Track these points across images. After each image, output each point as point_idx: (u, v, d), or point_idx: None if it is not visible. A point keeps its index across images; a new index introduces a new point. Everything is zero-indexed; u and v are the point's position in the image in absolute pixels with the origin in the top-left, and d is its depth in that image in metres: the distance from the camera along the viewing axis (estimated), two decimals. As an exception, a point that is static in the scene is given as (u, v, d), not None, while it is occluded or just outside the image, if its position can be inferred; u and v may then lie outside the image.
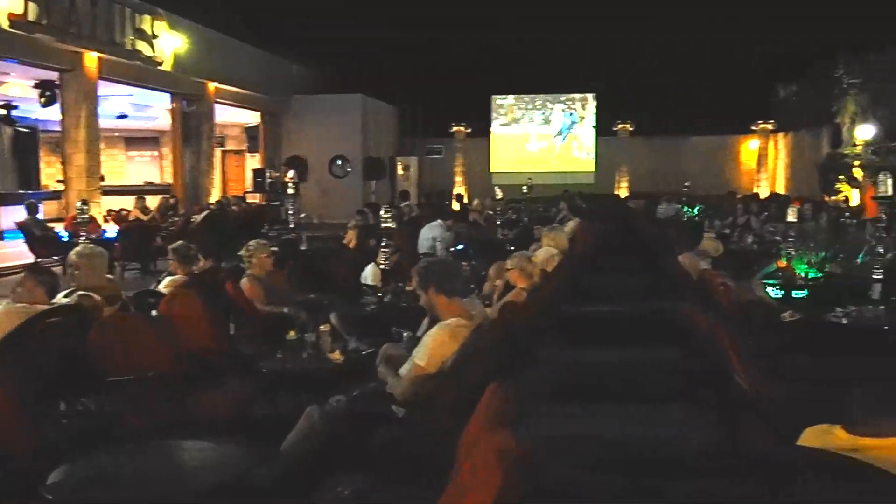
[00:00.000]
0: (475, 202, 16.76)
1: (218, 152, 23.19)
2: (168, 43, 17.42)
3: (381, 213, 8.02)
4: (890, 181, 6.30)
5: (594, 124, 29.36)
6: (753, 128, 27.69)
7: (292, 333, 5.33)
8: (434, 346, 4.32)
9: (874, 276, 6.26)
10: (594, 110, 29.37)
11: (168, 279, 6.94)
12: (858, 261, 8.93)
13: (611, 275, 9.58)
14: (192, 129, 19.91)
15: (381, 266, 7.53)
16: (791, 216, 8.97)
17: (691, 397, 5.09)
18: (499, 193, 13.38)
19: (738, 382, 4.32)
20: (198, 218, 15.63)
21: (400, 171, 27.02)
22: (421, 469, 3.35)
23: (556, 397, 5.12)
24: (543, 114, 29.83)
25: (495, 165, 29.53)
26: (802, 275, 8.96)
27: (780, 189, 26.52)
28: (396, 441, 3.98)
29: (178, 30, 17.76)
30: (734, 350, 4.65)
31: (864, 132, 19.12)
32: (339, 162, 24.28)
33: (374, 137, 25.69)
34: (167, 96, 19.53)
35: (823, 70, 21.46)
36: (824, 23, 21.68)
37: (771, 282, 8.43)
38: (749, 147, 28.44)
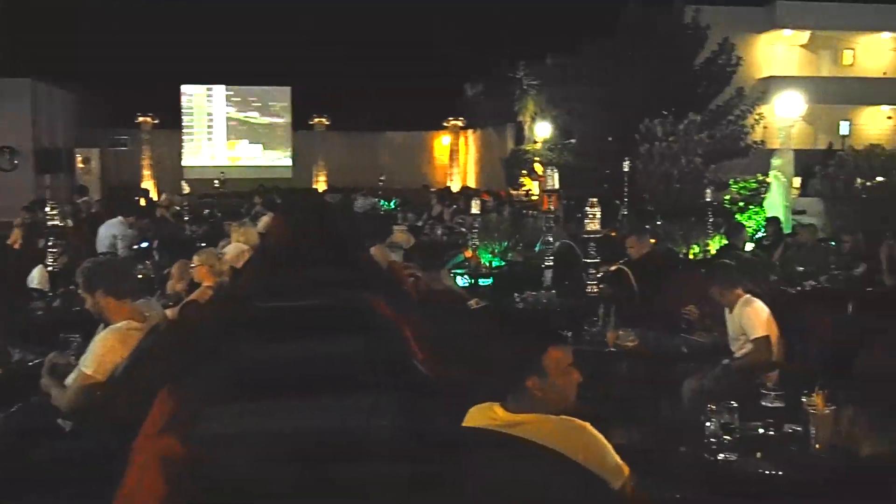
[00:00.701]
0: (163, 197, 15.93)
1: None
2: None
3: (48, 209, 7.28)
4: (556, 175, 6.79)
5: (290, 118, 29.12)
6: (445, 124, 29.02)
7: (-70, 349, 4.68)
8: (102, 351, 4.01)
9: (545, 264, 6.71)
10: (290, 104, 29.13)
11: None
12: (536, 249, 9.59)
13: (305, 268, 9.48)
14: None
15: (49, 268, 6.85)
16: (475, 208, 9.42)
17: (379, 385, 5.09)
18: (186, 188, 12.85)
19: (420, 369, 4.42)
20: None
21: (80, 164, 24.92)
22: (89, 483, 3.08)
23: (243, 395, 4.92)
24: (239, 105, 29.09)
25: (188, 159, 28.31)
26: (487, 264, 9.48)
27: (472, 183, 28.05)
28: (62, 456, 3.68)
29: None
30: (417, 338, 4.74)
31: (542, 130, 20.72)
32: (7, 154, 21.93)
33: (49, 127, 23.47)
34: None
35: (507, 72, 22.94)
36: (512, 28, 23.22)
37: (459, 271, 8.80)
38: (442, 142, 29.77)
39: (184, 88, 28.36)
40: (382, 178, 21.13)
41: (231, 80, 28.47)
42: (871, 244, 9.04)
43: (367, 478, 3.51)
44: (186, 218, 12.27)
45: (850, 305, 5.99)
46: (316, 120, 28.50)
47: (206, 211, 14.72)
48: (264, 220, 10.76)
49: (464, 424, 2.80)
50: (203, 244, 9.05)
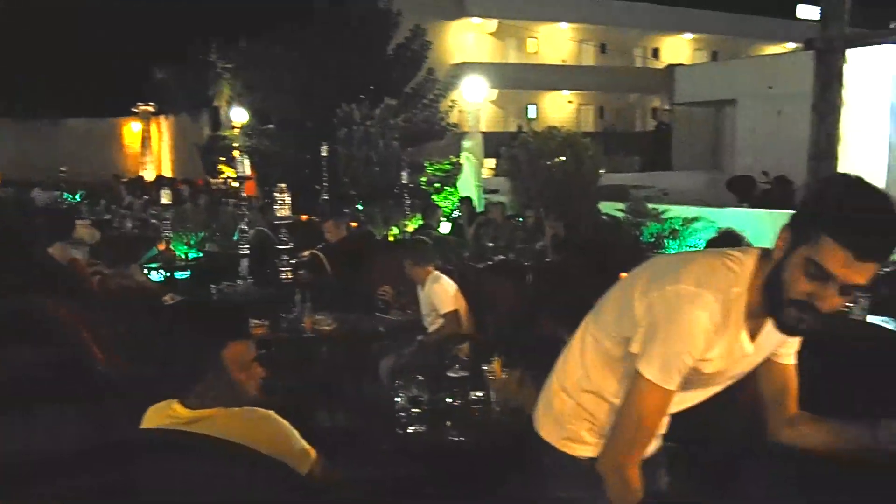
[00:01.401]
0: None
1: None
2: None
3: None
4: (247, 162, 6.67)
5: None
6: (135, 110, 27.46)
7: None
8: None
9: (241, 253, 6.57)
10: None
11: None
12: (235, 238, 9.39)
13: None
14: None
15: None
16: (165, 199, 9.01)
17: (61, 394, 4.73)
18: None
19: (102, 371, 4.16)
20: None
21: None
22: None
23: None
24: None
25: None
26: (183, 256, 9.13)
27: (168, 172, 26.83)
28: None
29: None
30: (99, 339, 4.46)
31: (239, 116, 20.22)
32: None
33: None
34: None
35: (199, 54, 22.09)
36: (202, 8, 22.41)
37: (153, 265, 8.41)
38: (132, 129, 28.15)
39: None
40: (64, 169, 19.50)
41: None
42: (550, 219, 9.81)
43: (49, 496, 3.24)
44: None
45: (529, 277, 6.46)
46: (-20, 106, 25.72)
47: None
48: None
49: (142, 426, 2.66)
50: None
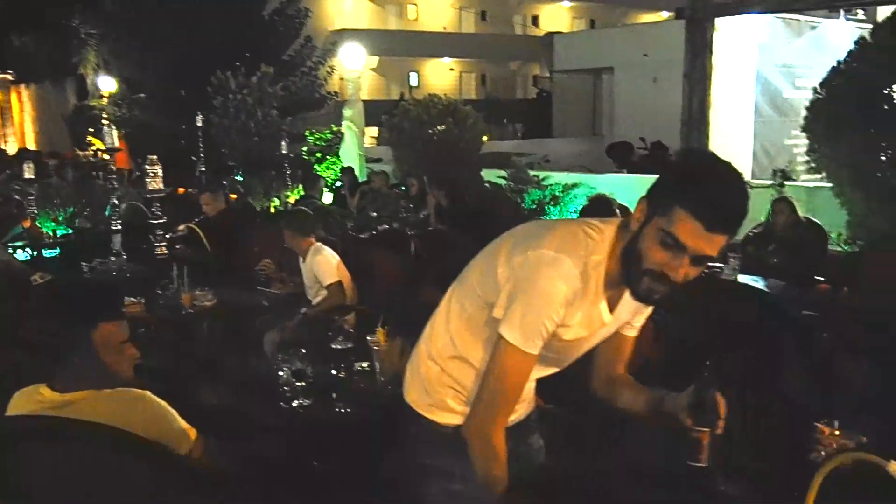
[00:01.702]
0: None
1: None
2: None
3: None
4: (114, 132, 6.39)
5: None
6: (-8, 79, 25.91)
7: None
8: None
9: (113, 228, 6.31)
10: None
11: None
12: (107, 213, 9.03)
13: None
14: None
15: None
16: (28, 173, 8.59)
17: None
18: None
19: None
20: None
21: None
22: None
23: None
24: None
25: None
26: (51, 233, 8.75)
27: (31, 144, 25.48)
28: None
29: None
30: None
31: (107, 84, 19.31)
32: None
33: None
34: None
35: (60, 18, 20.88)
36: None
37: (18, 244, 8.05)
38: (-10, 99, 26.59)
39: None
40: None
41: None
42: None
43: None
44: None
45: (412, 245, 6.46)
46: None
47: None
48: None
49: (8, 412, 2.53)
50: None
